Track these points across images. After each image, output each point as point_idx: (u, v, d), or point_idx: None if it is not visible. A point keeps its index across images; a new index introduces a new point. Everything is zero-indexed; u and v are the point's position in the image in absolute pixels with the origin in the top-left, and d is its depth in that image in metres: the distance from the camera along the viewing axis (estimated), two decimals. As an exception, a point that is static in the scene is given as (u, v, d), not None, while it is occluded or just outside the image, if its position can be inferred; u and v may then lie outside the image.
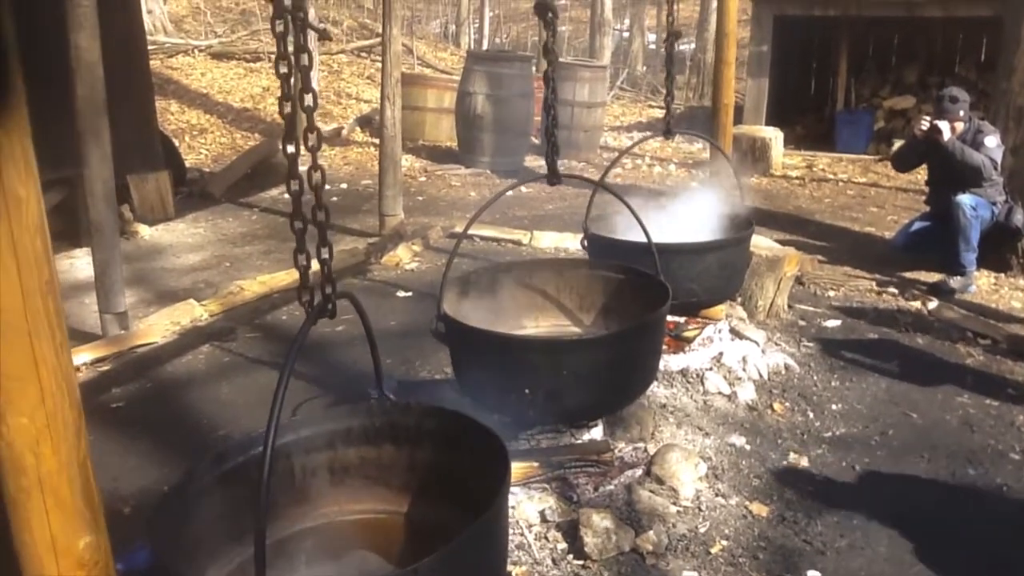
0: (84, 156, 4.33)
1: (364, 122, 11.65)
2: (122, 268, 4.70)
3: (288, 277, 5.39)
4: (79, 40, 4.18)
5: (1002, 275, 5.99)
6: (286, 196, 8.23)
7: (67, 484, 1.22)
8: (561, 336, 3.34)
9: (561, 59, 11.35)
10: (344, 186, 8.85)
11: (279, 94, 1.90)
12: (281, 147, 1.92)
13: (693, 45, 19.42)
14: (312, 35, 10.52)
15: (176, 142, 9.54)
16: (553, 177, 3.00)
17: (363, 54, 15.51)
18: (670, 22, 4.06)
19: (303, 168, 1.88)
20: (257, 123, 11.81)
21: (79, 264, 5.78)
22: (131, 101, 6.88)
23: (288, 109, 1.87)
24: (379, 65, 7.66)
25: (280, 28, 1.82)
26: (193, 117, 11.77)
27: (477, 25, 21.23)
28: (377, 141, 7.81)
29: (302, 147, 1.91)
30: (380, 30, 8.67)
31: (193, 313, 4.87)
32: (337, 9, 19.65)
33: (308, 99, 1.86)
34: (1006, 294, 5.68)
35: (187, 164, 9.01)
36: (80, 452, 1.24)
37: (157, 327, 4.65)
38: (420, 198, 8.35)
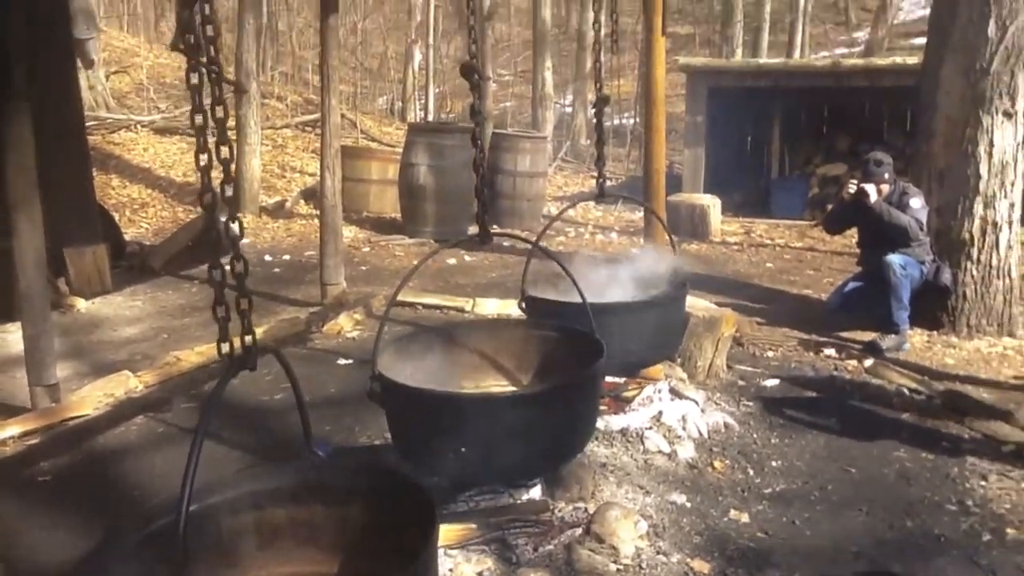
0: (15, 227, 4.28)
1: (308, 195, 11.66)
2: (54, 340, 4.60)
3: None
4: (10, 110, 4.16)
5: (934, 333, 6.13)
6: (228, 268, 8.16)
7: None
8: (496, 393, 3.33)
9: (503, 131, 11.55)
10: (287, 257, 8.80)
11: (196, 150, 1.89)
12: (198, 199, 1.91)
13: (634, 120, 19.90)
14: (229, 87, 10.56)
15: (116, 216, 9.45)
16: (484, 236, 3.01)
17: (307, 128, 15.60)
18: (598, 88, 4.16)
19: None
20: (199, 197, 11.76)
21: (11, 339, 5.64)
22: (68, 174, 6.83)
23: (204, 161, 1.86)
24: (322, 140, 7.70)
25: (195, 81, 1.83)
26: (135, 191, 11.68)
27: (423, 101, 21.53)
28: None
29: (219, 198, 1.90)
30: (324, 105, 8.75)
31: (127, 384, 4.76)
32: (282, 85, 19.84)
33: (224, 151, 1.86)
34: (939, 351, 5.81)
35: (127, 237, 8.91)
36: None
37: (90, 399, 4.54)
38: (364, 268, 8.34)
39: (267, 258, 8.68)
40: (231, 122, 11.43)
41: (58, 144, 6.17)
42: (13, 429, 4.10)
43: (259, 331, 5.54)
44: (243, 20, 11.03)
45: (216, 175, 1.95)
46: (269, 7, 21.58)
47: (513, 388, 3.51)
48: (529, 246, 3.49)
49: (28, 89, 4.20)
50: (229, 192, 1.91)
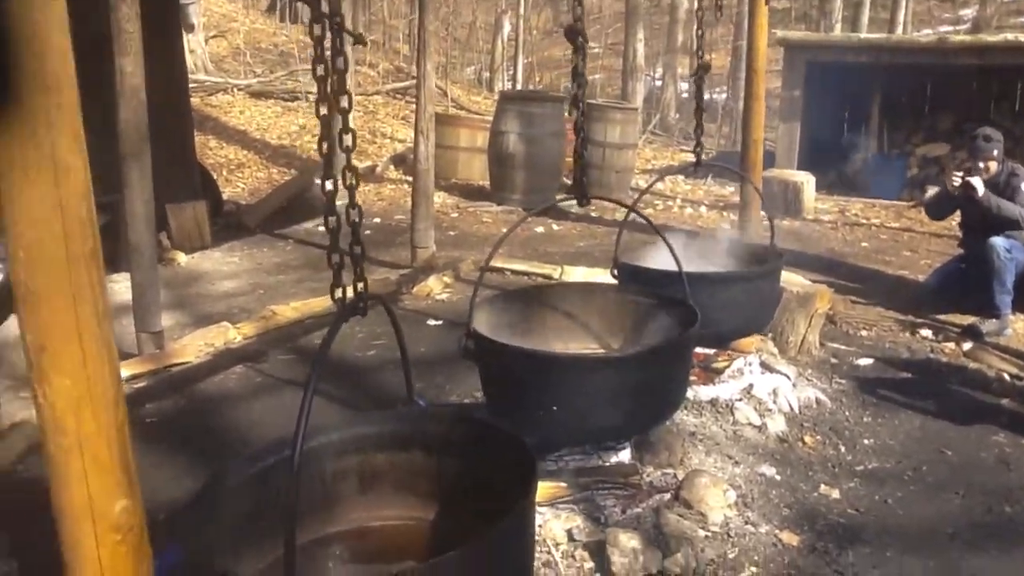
0: (126, 178, 4.43)
1: (398, 160, 11.81)
2: (159, 290, 4.77)
3: (320, 304, 5.44)
4: (124, 64, 4.30)
5: (1038, 319, 5.91)
6: (320, 229, 8.38)
7: (106, 447, 1.24)
8: (591, 354, 3.34)
9: (592, 101, 11.45)
10: (377, 220, 8.94)
11: (317, 98, 1.93)
12: (318, 147, 1.95)
13: (725, 95, 19.55)
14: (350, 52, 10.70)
15: (214, 175, 9.72)
16: (582, 197, 3.00)
17: (398, 95, 15.76)
18: (699, 55, 4.09)
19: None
20: (293, 159, 12.01)
21: (118, 288, 5.86)
22: (171, 131, 7.03)
23: (324, 111, 1.90)
24: (413, 107, 7.77)
25: (318, 32, 1.87)
26: (231, 152, 11.98)
27: (511, 72, 21.50)
28: (410, 179, 7.92)
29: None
30: (415, 73, 8.83)
31: (227, 335, 4.93)
32: (373, 53, 20.02)
33: (344, 101, 1.90)
34: (1042, 337, 5.60)
35: (224, 196, 9.16)
36: (118, 418, 1.26)
37: (191, 347, 4.71)
38: (452, 233, 8.42)
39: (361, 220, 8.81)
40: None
41: (163, 103, 6.36)
42: (122, 372, 4.27)
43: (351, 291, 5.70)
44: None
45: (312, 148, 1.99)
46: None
47: (603, 351, 3.52)
48: (621, 215, 3.48)
49: (139, 42, 4.33)
50: (348, 141, 1.95)
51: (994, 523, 3.29)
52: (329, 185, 1.98)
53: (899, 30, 20.37)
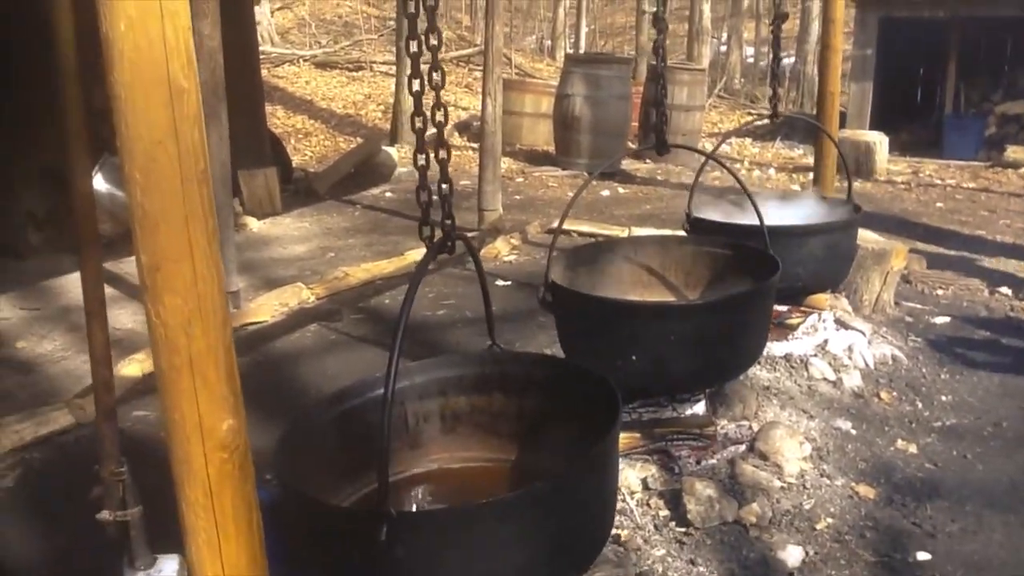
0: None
1: (463, 128, 11.84)
2: (235, 251, 4.88)
3: (391, 265, 5.52)
4: (202, 28, 4.38)
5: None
6: (388, 194, 8.48)
7: (214, 367, 1.29)
8: (669, 302, 3.34)
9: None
10: (443, 186, 8.98)
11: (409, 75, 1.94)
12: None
13: (793, 58, 19.11)
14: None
15: (283, 143, 9.87)
16: (661, 147, 2.99)
17: (461, 63, 15.76)
18: (777, 3, 4.01)
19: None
20: (359, 128, 12.12)
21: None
22: (243, 100, 7.14)
23: (413, 48, 1.92)
24: (476, 75, 7.78)
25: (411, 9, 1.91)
26: (298, 122, 12.15)
27: (573, 40, 21.32)
28: (475, 145, 7.94)
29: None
30: (477, 42, 8.81)
31: (300, 295, 5.03)
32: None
33: (436, 77, 1.95)
34: None
35: (293, 164, 9.30)
36: (226, 337, 1.31)
37: (266, 307, 4.82)
38: (518, 197, 8.44)
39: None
40: (391, 56, 11.67)
41: (236, 71, 6.46)
42: (201, 329, 4.40)
43: (419, 252, 5.75)
44: (403, -47, 11.17)
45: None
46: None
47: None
48: (688, 179, 3.45)
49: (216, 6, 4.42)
50: (440, 116, 1.99)
51: (1079, 479, 3.23)
52: (419, 123, 2.01)
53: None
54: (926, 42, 12.24)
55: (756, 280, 3.10)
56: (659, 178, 9.16)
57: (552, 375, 2.29)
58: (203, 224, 1.25)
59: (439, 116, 2.05)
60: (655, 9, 2.92)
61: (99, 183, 5.30)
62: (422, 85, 2.02)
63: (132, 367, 3.89)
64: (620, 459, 2.95)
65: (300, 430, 2.08)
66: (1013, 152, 10.27)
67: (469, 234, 6.45)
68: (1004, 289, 5.41)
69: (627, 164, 9.87)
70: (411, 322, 4.76)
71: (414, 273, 1.79)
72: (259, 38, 14.05)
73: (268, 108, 11.55)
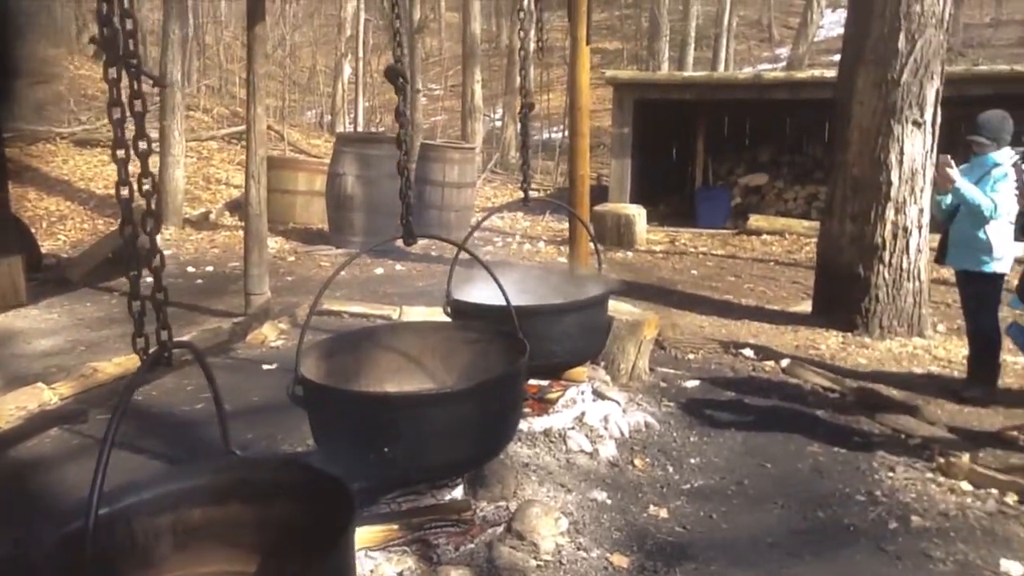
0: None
1: (233, 207, 11.52)
2: (-36, 352, 4.47)
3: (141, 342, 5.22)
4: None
5: (849, 335, 6.33)
6: (149, 279, 8.02)
7: None
8: (416, 391, 3.35)
9: (431, 142, 11.57)
10: (210, 269, 8.68)
11: (112, 143, 1.88)
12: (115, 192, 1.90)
13: (564, 133, 20.10)
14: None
15: (33, 229, 9.21)
16: (409, 236, 3.03)
17: (233, 140, 15.40)
18: (523, 95, 4.22)
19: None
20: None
21: (-82, 352, 5.47)
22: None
23: (121, 154, 1.85)
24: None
25: (113, 75, 1.83)
26: (52, 204, 11.38)
27: (352, 115, 21.45)
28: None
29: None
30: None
31: (41, 397, 4.65)
32: (208, 98, 19.55)
33: (143, 144, 1.86)
34: (853, 351, 6.00)
35: (44, 250, 8.69)
36: None
37: (1, 412, 4.41)
38: (289, 278, 8.27)
39: (190, 269, 8.55)
40: (154, 133, 11.22)
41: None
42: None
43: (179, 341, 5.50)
44: (167, 30, 10.87)
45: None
46: (196, 19, 21.31)
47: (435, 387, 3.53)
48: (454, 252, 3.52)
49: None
50: (147, 185, 1.90)
51: (809, 529, 3.50)
52: (131, 233, 1.92)
53: (721, 68, 21.63)
54: (678, 122, 13.28)
55: (509, 362, 3.17)
56: (434, 254, 9.29)
57: (290, 482, 2.22)
58: None
59: (146, 185, 1.93)
60: (401, 101, 2.97)
61: None
62: (127, 154, 1.92)
63: None
64: (378, 553, 2.92)
65: (9, 565, 1.90)
66: (755, 220, 11.25)
67: (236, 319, 6.30)
68: (747, 351, 5.85)
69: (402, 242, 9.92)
70: (165, 419, 4.53)
71: (123, 390, 1.70)
72: (10, 114, 13.18)
73: (17, 190, 10.78)
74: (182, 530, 2.25)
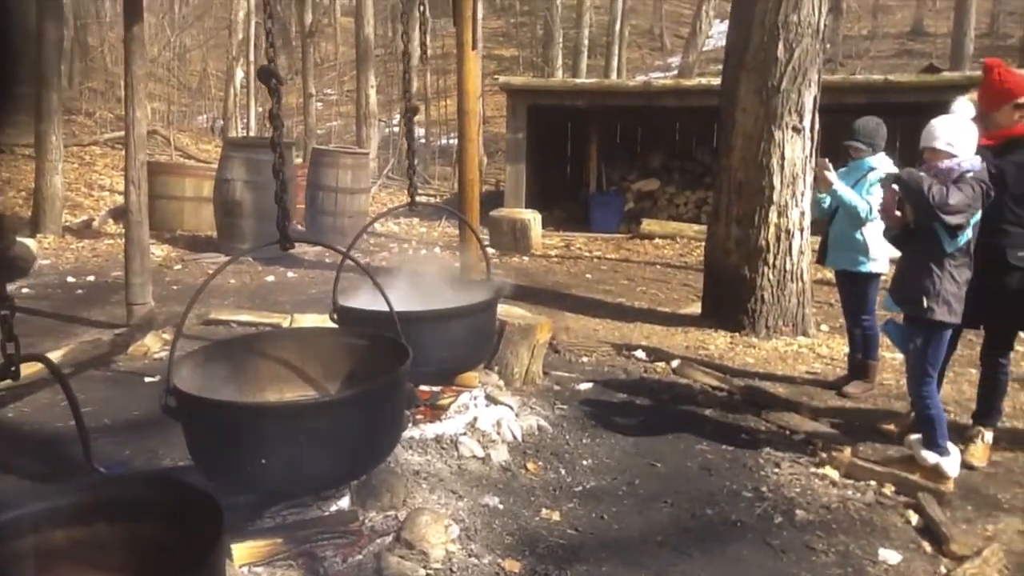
0: None
1: (117, 214, 11.07)
2: None
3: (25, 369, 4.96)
4: None
5: (736, 335, 6.49)
6: (25, 291, 7.70)
7: None
8: (291, 401, 3.27)
9: (324, 147, 11.40)
10: (91, 278, 8.33)
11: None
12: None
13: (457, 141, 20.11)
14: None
15: None
16: (285, 242, 2.96)
17: (118, 145, 14.84)
18: (407, 99, 4.18)
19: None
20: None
21: None
22: None
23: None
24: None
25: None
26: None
27: (245, 120, 20.98)
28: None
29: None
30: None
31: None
32: (91, 101, 18.82)
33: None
34: (740, 351, 6.15)
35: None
36: None
37: None
38: (175, 287, 8.00)
39: (70, 279, 8.19)
40: (31, 139, 10.72)
41: None
42: None
43: (58, 354, 5.24)
44: (43, 30, 10.40)
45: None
46: (78, 19, 20.51)
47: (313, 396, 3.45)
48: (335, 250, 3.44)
49: None
50: None
51: (698, 527, 3.55)
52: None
53: (613, 75, 21.98)
54: (572, 128, 13.43)
55: (391, 368, 3.12)
56: (327, 261, 9.13)
57: (158, 498, 2.12)
58: None
59: None
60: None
61: None
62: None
63: None
64: (262, 568, 2.83)
65: None
66: (647, 225, 11.47)
67: (117, 331, 6.04)
68: (639, 353, 5.93)
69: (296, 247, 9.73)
70: (39, 437, 4.31)
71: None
72: None
73: None
74: (45, 553, 2.13)
